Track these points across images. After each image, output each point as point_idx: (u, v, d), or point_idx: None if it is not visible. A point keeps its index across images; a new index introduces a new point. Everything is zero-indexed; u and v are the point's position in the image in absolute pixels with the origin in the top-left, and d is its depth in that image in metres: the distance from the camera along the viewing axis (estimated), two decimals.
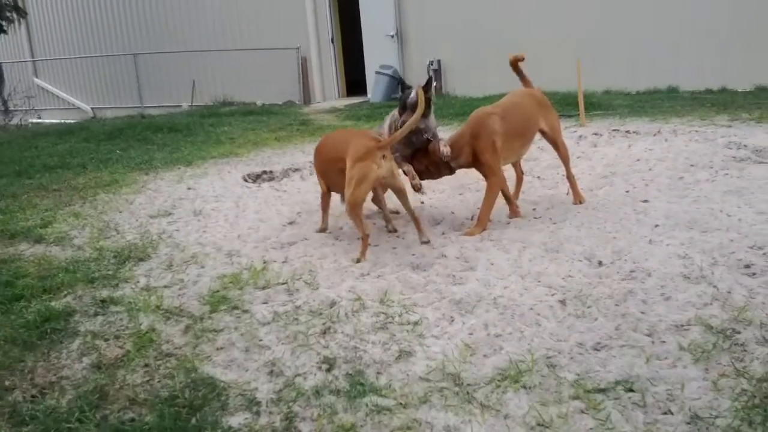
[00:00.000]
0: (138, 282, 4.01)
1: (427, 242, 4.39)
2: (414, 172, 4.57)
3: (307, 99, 16.15)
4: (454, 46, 14.27)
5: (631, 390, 2.49)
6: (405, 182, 4.48)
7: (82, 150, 9.16)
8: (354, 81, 16.47)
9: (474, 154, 4.62)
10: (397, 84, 4.62)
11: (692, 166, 5.87)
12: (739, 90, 11.20)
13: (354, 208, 4.18)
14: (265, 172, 7.18)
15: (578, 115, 8.78)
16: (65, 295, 3.82)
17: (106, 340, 3.25)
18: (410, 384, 2.67)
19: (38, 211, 5.78)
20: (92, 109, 19.42)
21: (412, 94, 4.46)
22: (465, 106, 10.36)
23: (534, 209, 5.06)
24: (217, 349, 3.11)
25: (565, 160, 5.11)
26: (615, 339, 2.90)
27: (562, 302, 3.31)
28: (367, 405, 2.54)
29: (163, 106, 16.15)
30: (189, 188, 6.54)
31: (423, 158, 4.66)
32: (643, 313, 3.12)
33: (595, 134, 7.72)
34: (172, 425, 2.48)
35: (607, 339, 2.91)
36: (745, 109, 8.75)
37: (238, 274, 4.04)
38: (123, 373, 2.92)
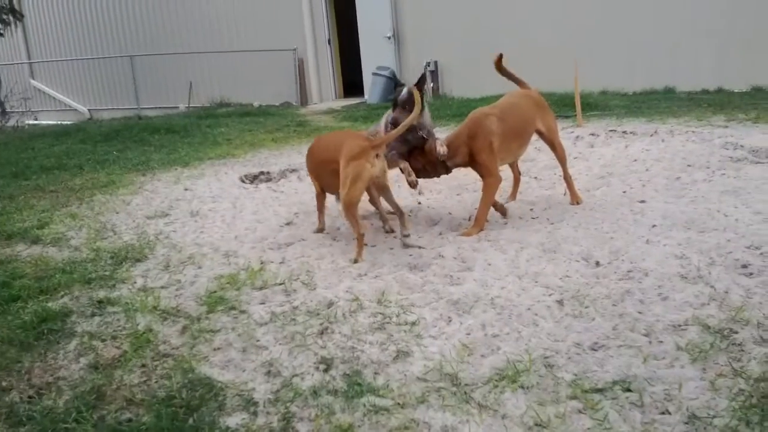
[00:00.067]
0: (135, 283, 4.01)
1: (408, 236, 4.40)
2: (410, 169, 4.56)
3: (304, 100, 16.15)
4: (451, 47, 14.28)
5: (628, 390, 2.49)
6: (402, 180, 4.48)
7: (78, 151, 9.15)
8: (351, 82, 16.47)
9: (471, 155, 4.62)
10: (394, 84, 4.62)
11: (689, 166, 5.88)
12: (736, 90, 11.22)
13: (349, 208, 4.19)
14: (262, 172, 7.17)
15: (575, 115, 8.78)
16: (62, 296, 3.82)
17: (103, 340, 3.25)
18: (408, 384, 2.67)
19: (35, 212, 5.77)
20: (89, 110, 19.41)
21: (403, 92, 4.47)
22: (462, 107, 10.37)
23: (531, 210, 5.06)
24: (215, 349, 3.10)
25: (562, 160, 5.12)
26: (612, 339, 2.90)
27: (560, 302, 3.31)
28: (364, 405, 2.53)
29: (159, 108, 16.17)
30: (186, 189, 6.53)
31: (420, 157, 4.66)
32: (640, 313, 3.12)
33: (592, 135, 7.72)
34: (170, 425, 2.47)
35: (604, 339, 2.91)
36: (741, 110, 8.76)
37: (235, 274, 4.04)
38: (120, 374, 2.91)
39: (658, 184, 5.39)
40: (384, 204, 4.66)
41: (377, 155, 4.20)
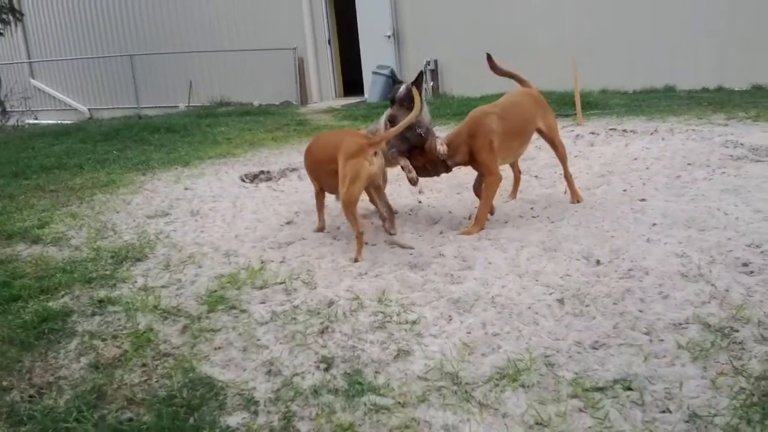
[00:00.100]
0: (135, 282, 4.01)
1: (393, 234, 4.44)
2: (410, 167, 4.56)
3: (304, 99, 16.15)
4: (451, 46, 14.27)
5: (629, 388, 2.49)
6: (402, 178, 4.48)
7: (79, 151, 9.14)
8: (351, 81, 16.47)
9: (471, 153, 4.62)
10: (393, 83, 4.63)
11: (689, 164, 5.88)
12: (736, 89, 11.23)
13: (348, 207, 4.19)
14: (262, 172, 7.17)
15: (575, 114, 8.78)
16: (63, 296, 3.82)
17: (104, 340, 3.25)
18: (408, 383, 2.67)
19: (35, 212, 5.77)
20: (89, 110, 19.42)
21: (401, 89, 4.48)
22: (462, 106, 10.37)
23: (532, 208, 5.06)
24: (215, 348, 3.10)
25: (562, 159, 5.12)
26: (613, 338, 2.90)
27: (560, 301, 3.31)
28: (365, 404, 2.53)
29: (160, 107, 16.16)
30: (186, 188, 6.53)
31: (419, 156, 4.65)
32: (641, 311, 3.12)
33: (592, 133, 7.72)
34: (170, 425, 2.47)
35: (605, 338, 2.91)
36: (741, 108, 8.76)
37: (235, 273, 4.03)
38: (121, 373, 2.91)
39: (658, 183, 5.39)
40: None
41: (375, 153, 4.20)
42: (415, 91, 4.32)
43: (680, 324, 2.95)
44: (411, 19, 14.90)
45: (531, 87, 5.14)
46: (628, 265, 3.68)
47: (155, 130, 10.47)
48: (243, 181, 6.85)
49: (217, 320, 3.39)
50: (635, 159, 6.31)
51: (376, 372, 2.78)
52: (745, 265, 3.52)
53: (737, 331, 2.84)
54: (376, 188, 4.46)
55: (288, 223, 5.14)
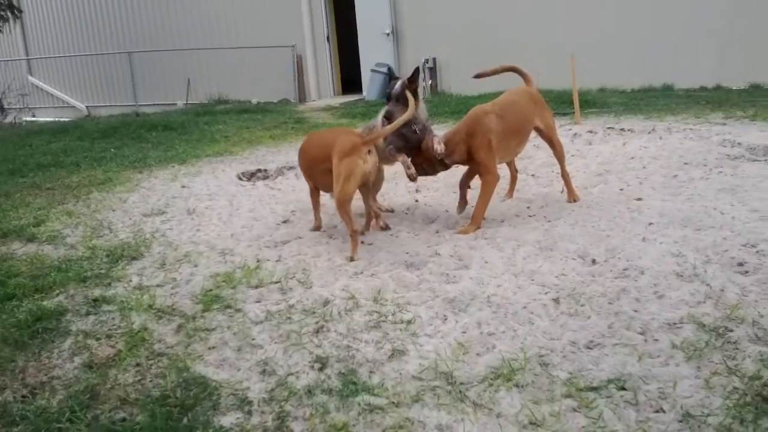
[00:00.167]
0: (130, 281, 4.00)
1: (363, 234, 4.54)
2: (409, 163, 4.56)
3: (302, 97, 16.14)
4: (450, 44, 14.26)
5: (623, 388, 2.49)
6: (399, 177, 4.47)
7: (76, 148, 9.14)
8: (349, 79, 16.45)
9: (469, 152, 4.62)
10: (389, 80, 4.63)
11: (686, 164, 5.88)
12: (734, 88, 11.24)
13: (342, 205, 4.19)
14: (259, 170, 7.17)
15: (573, 113, 8.78)
16: (57, 294, 3.81)
17: (98, 339, 3.24)
18: (403, 383, 2.67)
19: (31, 210, 5.77)
20: (87, 107, 19.38)
21: (397, 85, 4.48)
22: (460, 104, 10.38)
23: (528, 207, 5.05)
24: (210, 348, 3.10)
25: (560, 158, 5.11)
26: (608, 337, 2.90)
27: (556, 301, 3.31)
28: (359, 404, 2.53)
29: (157, 105, 16.13)
30: (183, 187, 6.53)
31: (417, 155, 4.65)
32: (636, 311, 3.12)
33: (590, 132, 7.72)
34: (164, 425, 2.47)
35: (600, 337, 2.91)
36: (739, 107, 8.77)
37: (231, 272, 4.03)
38: (114, 373, 2.90)
39: (655, 182, 5.39)
40: (385, 203, 4.67)
41: (369, 151, 4.20)
42: (408, 88, 4.34)
43: (675, 324, 2.95)
44: (410, 17, 14.89)
45: (530, 79, 5.12)
46: (623, 264, 3.67)
47: (153, 127, 10.47)
48: (240, 179, 6.85)
49: (212, 319, 3.38)
50: (632, 158, 6.31)
51: (371, 372, 2.77)
52: (740, 264, 3.52)
53: (732, 330, 2.84)
54: (367, 187, 4.47)
55: (284, 221, 5.14)
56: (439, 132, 4.85)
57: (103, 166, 7.71)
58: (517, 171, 5.46)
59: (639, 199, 4.93)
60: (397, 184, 6.01)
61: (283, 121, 11.25)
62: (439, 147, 4.52)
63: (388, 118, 4.48)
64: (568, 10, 13.05)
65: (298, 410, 2.54)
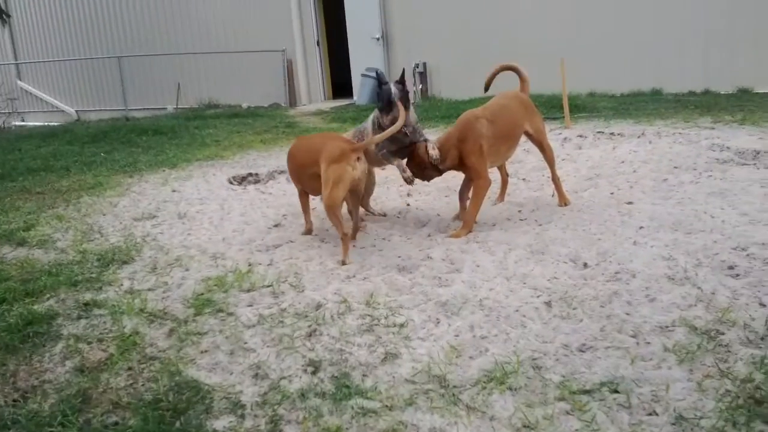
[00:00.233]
0: (122, 285, 3.98)
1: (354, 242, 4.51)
2: (405, 166, 4.57)
3: (292, 101, 16.14)
4: (440, 49, 14.30)
5: (616, 391, 2.50)
6: (391, 183, 4.47)
7: (65, 153, 9.10)
8: (340, 83, 16.47)
9: (460, 157, 4.63)
10: (378, 84, 4.58)
11: (676, 168, 5.91)
12: (722, 92, 11.31)
13: (331, 209, 4.19)
14: (250, 174, 7.16)
15: (563, 117, 8.81)
16: (48, 299, 3.79)
17: (89, 343, 3.22)
18: (396, 386, 2.66)
19: (21, 214, 5.74)
20: (76, 111, 19.31)
21: (393, 89, 4.45)
22: (451, 109, 10.40)
23: (519, 211, 5.07)
24: (202, 352, 3.09)
25: (550, 162, 5.13)
26: (600, 340, 2.91)
27: (548, 304, 3.32)
28: (352, 407, 2.53)
29: (147, 109, 16.13)
30: (173, 191, 6.51)
31: (410, 161, 4.66)
32: (627, 314, 3.12)
33: (580, 136, 7.75)
34: (156, 429, 2.46)
35: (592, 340, 2.91)
36: (727, 111, 8.82)
37: (222, 276, 4.02)
38: (106, 377, 2.89)
39: (645, 186, 5.42)
40: (377, 207, 4.67)
41: (358, 158, 4.21)
42: (400, 106, 4.35)
43: (667, 327, 2.96)
44: (400, 22, 14.92)
45: (527, 79, 5.11)
46: (615, 268, 3.68)
47: (143, 132, 10.44)
48: (231, 183, 6.83)
49: (203, 323, 3.37)
50: (622, 162, 6.34)
51: (364, 375, 2.77)
52: (731, 268, 3.54)
53: (723, 333, 2.85)
54: (357, 195, 4.48)
55: (276, 225, 5.13)
56: (430, 136, 4.86)
57: (93, 171, 7.68)
58: (508, 175, 5.48)
59: (629, 203, 4.95)
60: (389, 188, 6.02)
61: (274, 125, 11.24)
62: (434, 152, 4.53)
63: (379, 125, 4.51)
64: (558, 15, 13.11)
65: (292, 414, 2.53)
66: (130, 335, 3.27)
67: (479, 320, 3.19)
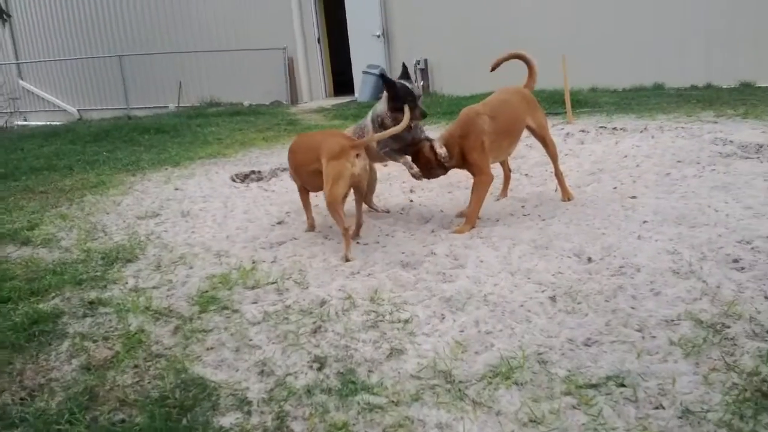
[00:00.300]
0: (126, 283, 3.99)
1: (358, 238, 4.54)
2: (411, 162, 4.57)
3: (294, 99, 16.13)
4: (441, 46, 14.28)
5: (622, 385, 2.50)
6: (394, 179, 4.47)
7: (68, 152, 9.10)
8: (341, 81, 16.46)
9: (462, 154, 4.62)
10: (382, 82, 4.57)
11: (679, 162, 5.89)
12: (724, 86, 11.28)
13: (333, 205, 4.21)
14: (253, 172, 7.16)
15: (565, 112, 8.80)
16: (53, 297, 3.80)
17: (95, 341, 3.23)
18: (402, 382, 2.67)
19: (25, 213, 5.74)
20: (78, 110, 19.33)
21: (410, 85, 4.46)
22: (452, 105, 10.38)
23: (523, 206, 5.06)
24: (207, 349, 3.09)
25: (553, 157, 5.12)
26: (605, 334, 2.91)
27: (552, 299, 3.32)
28: (358, 403, 2.53)
29: (149, 108, 16.12)
30: (176, 189, 6.51)
31: (416, 161, 4.65)
32: (633, 308, 3.12)
33: (582, 131, 7.74)
34: (163, 426, 2.46)
35: (597, 335, 2.91)
36: (730, 105, 8.80)
37: (227, 274, 4.02)
38: (113, 374, 2.90)
39: (648, 180, 5.41)
40: (380, 203, 4.67)
41: (358, 155, 4.22)
42: (406, 109, 4.35)
43: (672, 320, 2.96)
44: (400, 19, 14.91)
45: (534, 67, 5.09)
46: (619, 262, 3.68)
47: (145, 130, 10.43)
48: (234, 181, 6.84)
49: (208, 321, 3.38)
50: (625, 157, 6.33)
51: (370, 371, 2.78)
52: (735, 261, 3.53)
53: (729, 327, 2.85)
54: (360, 191, 4.48)
55: (279, 223, 5.13)
56: (431, 134, 4.86)
57: (95, 170, 7.68)
58: (510, 170, 5.47)
59: (633, 197, 4.95)
60: (392, 185, 6.02)
61: (276, 122, 11.24)
62: (441, 150, 4.53)
63: (381, 123, 4.54)
64: (559, 11, 13.08)
65: (298, 410, 2.54)
66: (136, 333, 3.28)
67: (484, 315, 3.19)
